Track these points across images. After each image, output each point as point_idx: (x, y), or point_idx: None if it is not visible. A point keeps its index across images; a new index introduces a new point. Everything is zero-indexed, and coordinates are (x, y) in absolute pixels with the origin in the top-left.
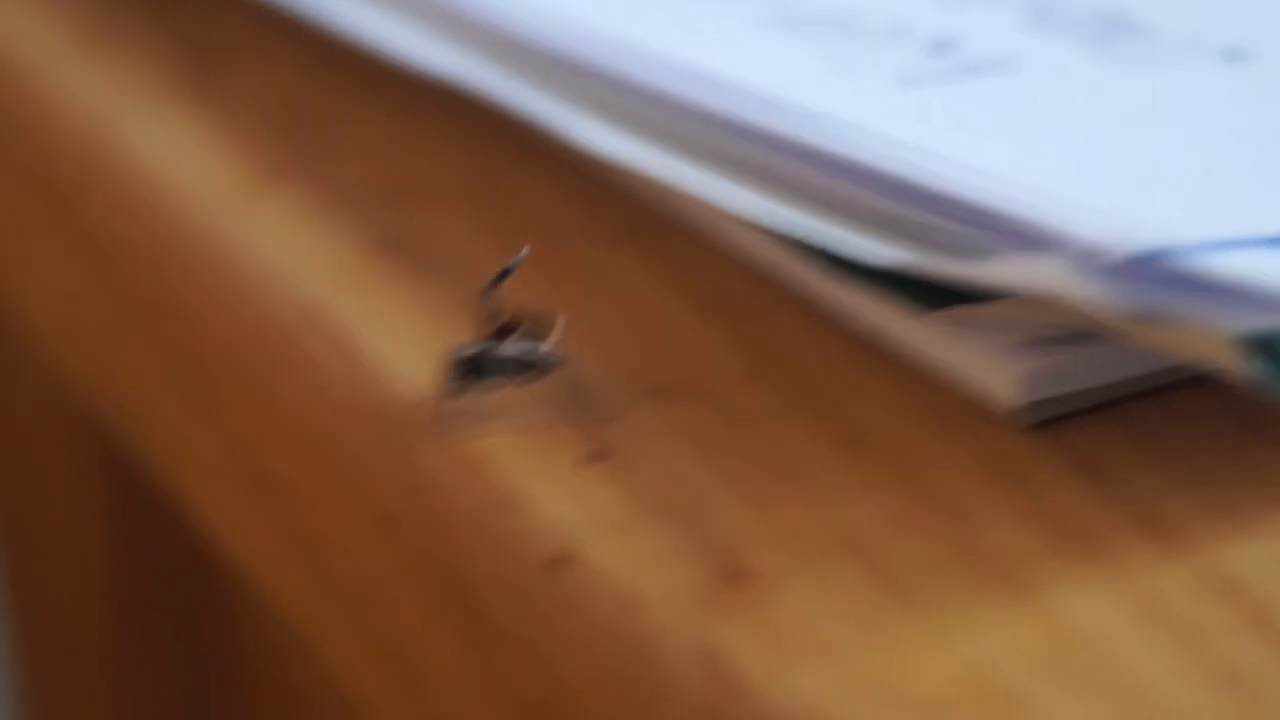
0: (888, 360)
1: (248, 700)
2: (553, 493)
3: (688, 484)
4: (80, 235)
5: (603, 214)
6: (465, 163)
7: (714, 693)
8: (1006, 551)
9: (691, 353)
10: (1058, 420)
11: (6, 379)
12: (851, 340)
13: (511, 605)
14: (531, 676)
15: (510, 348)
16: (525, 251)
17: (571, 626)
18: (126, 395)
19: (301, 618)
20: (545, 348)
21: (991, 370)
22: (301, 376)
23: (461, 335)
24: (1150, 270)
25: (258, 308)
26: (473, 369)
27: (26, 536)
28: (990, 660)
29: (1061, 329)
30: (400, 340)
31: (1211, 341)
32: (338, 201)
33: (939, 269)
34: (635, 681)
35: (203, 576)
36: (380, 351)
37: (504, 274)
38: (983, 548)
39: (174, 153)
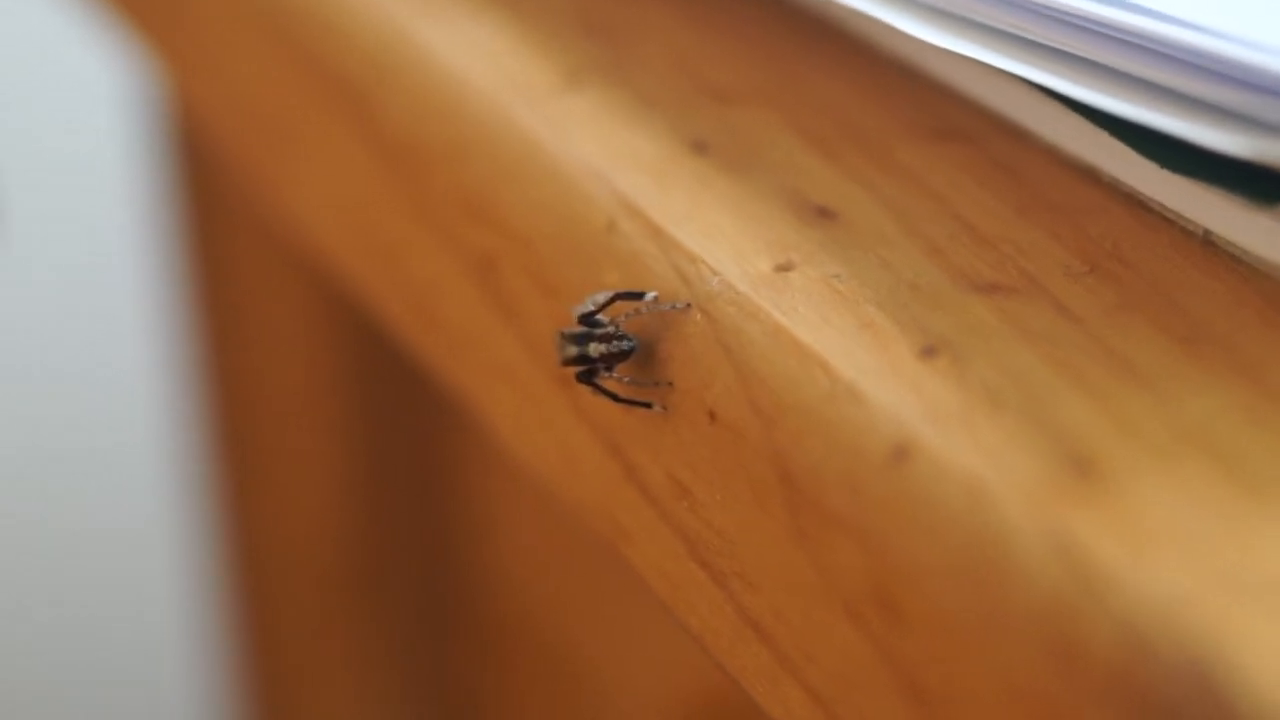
0: (1220, 256)
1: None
2: (888, 386)
3: (1023, 378)
4: (373, 134)
5: (915, 114)
6: (772, 64)
7: (1070, 581)
8: None
9: (1018, 249)
10: None
11: (262, 268)
12: (1181, 236)
13: (849, 497)
14: (868, 568)
15: (597, 347)
16: None
17: (915, 518)
18: (408, 289)
19: (604, 519)
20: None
21: None
22: (620, 273)
23: (776, 233)
24: None
25: (569, 206)
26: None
27: (267, 424)
28: None
29: None
30: (717, 237)
31: None
32: (644, 102)
33: None
34: (986, 571)
35: (451, 470)
36: (700, 247)
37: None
38: None
39: (475, 53)
